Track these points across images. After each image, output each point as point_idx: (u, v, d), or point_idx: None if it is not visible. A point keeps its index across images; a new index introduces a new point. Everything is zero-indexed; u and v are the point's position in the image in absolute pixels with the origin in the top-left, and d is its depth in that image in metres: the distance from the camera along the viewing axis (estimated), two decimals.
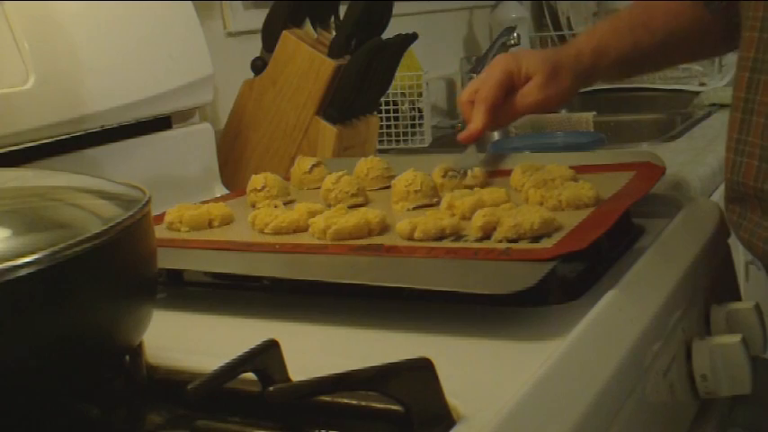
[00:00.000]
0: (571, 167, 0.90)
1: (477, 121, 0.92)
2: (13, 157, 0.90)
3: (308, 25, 1.25)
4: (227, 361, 0.51)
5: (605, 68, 0.97)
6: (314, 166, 1.03)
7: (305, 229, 0.82)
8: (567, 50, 0.96)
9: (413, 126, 1.61)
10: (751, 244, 0.77)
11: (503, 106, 0.93)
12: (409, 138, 1.60)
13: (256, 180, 0.97)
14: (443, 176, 0.93)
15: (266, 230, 0.83)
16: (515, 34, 1.87)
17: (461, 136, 0.94)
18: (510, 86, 0.93)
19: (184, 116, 1.16)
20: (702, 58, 1.09)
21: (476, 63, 1.94)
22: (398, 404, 0.50)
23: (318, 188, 0.95)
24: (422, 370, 0.50)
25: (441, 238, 0.75)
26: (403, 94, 1.59)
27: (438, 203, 0.86)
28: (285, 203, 0.92)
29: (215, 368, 0.51)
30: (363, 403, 0.52)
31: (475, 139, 0.94)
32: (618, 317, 0.66)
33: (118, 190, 0.58)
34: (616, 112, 1.83)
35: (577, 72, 0.94)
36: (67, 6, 0.99)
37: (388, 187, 0.94)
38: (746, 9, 0.77)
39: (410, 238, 0.75)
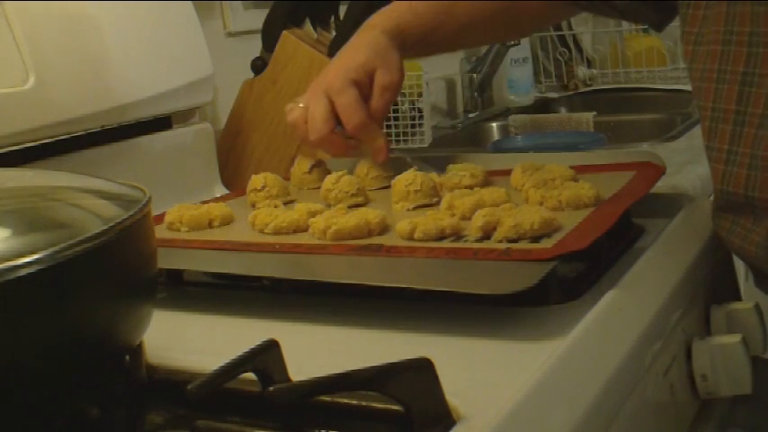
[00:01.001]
0: (571, 167, 0.90)
1: (378, 137, 0.94)
2: (13, 157, 0.90)
3: (308, 25, 1.25)
4: (227, 361, 0.51)
5: (410, 45, 0.97)
6: (314, 166, 1.03)
7: (305, 230, 0.82)
8: (370, 37, 0.95)
9: (413, 126, 1.61)
10: (742, 249, 0.78)
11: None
12: (409, 138, 1.60)
13: (256, 180, 0.97)
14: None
15: (266, 230, 0.83)
16: None
17: (380, 158, 0.95)
18: (364, 93, 0.92)
19: (184, 116, 1.16)
20: (525, 35, 1.13)
21: (476, 63, 1.95)
22: (398, 404, 0.50)
23: (318, 188, 0.95)
24: (422, 370, 0.50)
25: (441, 238, 0.75)
26: (403, 94, 1.59)
27: (438, 203, 0.86)
28: (285, 203, 0.92)
29: (215, 368, 0.51)
30: (363, 403, 0.52)
31: (387, 155, 0.96)
32: (618, 317, 0.66)
33: (118, 190, 0.58)
34: (616, 112, 1.83)
35: (398, 47, 0.95)
36: (67, 6, 0.99)
37: (387, 187, 0.94)
38: (719, 23, 0.77)
39: (410, 239, 0.75)
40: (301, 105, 0.94)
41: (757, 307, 0.82)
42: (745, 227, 0.77)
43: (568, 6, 1.00)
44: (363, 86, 0.92)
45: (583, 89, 2.15)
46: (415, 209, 0.86)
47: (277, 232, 0.82)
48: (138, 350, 0.57)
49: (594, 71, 2.21)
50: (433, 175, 0.92)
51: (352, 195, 0.90)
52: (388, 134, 1.58)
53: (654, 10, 0.93)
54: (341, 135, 0.93)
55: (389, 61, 0.93)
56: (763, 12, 0.73)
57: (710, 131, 0.79)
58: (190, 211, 0.89)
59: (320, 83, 0.93)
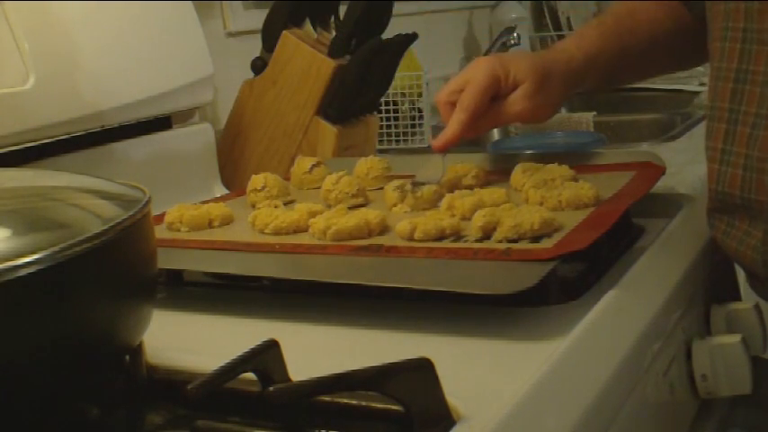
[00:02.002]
0: (571, 167, 0.90)
1: (454, 128, 0.88)
2: (13, 157, 0.90)
3: (308, 25, 1.24)
4: (227, 361, 0.51)
5: (594, 76, 0.94)
6: (314, 166, 1.03)
7: (305, 230, 0.82)
8: (557, 56, 0.92)
9: (413, 126, 1.61)
10: (739, 253, 0.77)
11: (485, 113, 0.88)
12: (409, 138, 1.60)
13: (256, 180, 0.97)
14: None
15: (266, 231, 0.83)
16: (515, 34, 1.87)
17: (436, 143, 0.90)
18: (495, 92, 0.88)
19: (184, 116, 1.16)
20: (689, 66, 1.06)
21: None
22: (398, 404, 0.50)
23: (318, 188, 0.95)
24: (422, 370, 0.50)
25: (441, 238, 0.75)
26: (403, 94, 1.59)
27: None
28: (285, 204, 0.92)
29: (215, 368, 0.51)
30: (363, 403, 0.52)
31: (449, 147, 0.90)
32: (618, 317, 0.66)
33: (118, 190, 0.58)
34: (616, 112, 1.83)
35: (568, 80, 0.90)
36: (67, 6, 0.99)
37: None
38: (719, 20, 0.77)
39: (410, 239, 0.75)
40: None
41: (757, 307, 0.82)
42: (740, 229, 0.77)
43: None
44: (501, 83, 0.88)
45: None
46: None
47: (277, 232, 0.82)
48: (138, 350, 0.57)
49: None
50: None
51: (353, 196, 0.90)
52: (388, 134, 1.58)
53: None
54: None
55: (539, 85, 0.88)
56: (757, 8, 0.73)
57: (708, 130, 0.79)
58: (190, 211, 0.89)
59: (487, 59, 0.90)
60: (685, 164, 1.22)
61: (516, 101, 0.88)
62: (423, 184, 0.89)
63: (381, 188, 0.97)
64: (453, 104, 0.89)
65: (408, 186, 0.88)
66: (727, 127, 0.76)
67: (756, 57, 0.73)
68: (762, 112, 0.73)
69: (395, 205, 0.87)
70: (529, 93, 0.87)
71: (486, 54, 1.93)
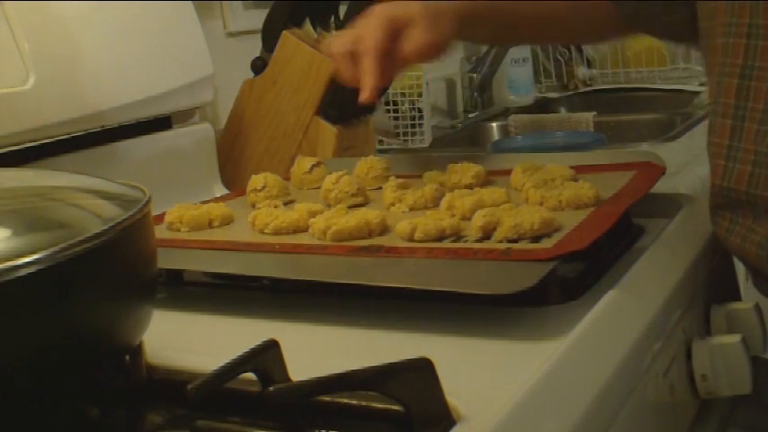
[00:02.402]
0: (571, 167, 0.90)
1: (370, 74, 0.86)
2: (13, 157, 0.90)
3: (308, 25, 1.25)
4: (227, 361, 0.51)
5: (482, 25, 0.94)
6: (314, 166, 1.03)
7: (305, 230, 0.82)
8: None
9: (413, 126, 1.61)
10: (743, 249, 0.77)
11: (388, 57, 0.86)
12: (409, 138, 1.60)
13: (256, 180, 0.97)
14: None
15: (266, 231, 0.83)
16: None
17: (362, 97, 0.87)
18: (393, 33, 0.86)
19: (184, 116, 1.16)
20: (597, 41, 1.07)
21: (476, 63, 1.95)
22: (398, 404, 0.50)
23: (318, 188, 0.95)
24: (422, 370, 0.50)
25: (441, 238, 0.75)
26: (403, 94, 1.59)
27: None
28: (285, 204, 0.92)
29: (215, 368, 0.51)
30: (363, 403, 0.52)
31: (376, 95, 0.88)
32: (618, 317, 0.66)
33: (118, 190, 0.58)
34: (616, 112, 1.83)
35: (459, 17, 0.90)
36: (67, 6, 0.99)
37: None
38: (721, 16, 0.77)
39: (410, 239, 0.75)
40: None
41: (757, 307, 0.82)
42: (744, 226, 0.77)
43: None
44: (397, 22, 0.86)
45: (583, 89, 2.15)
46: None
47: (277, 232, 0.82)
48: (138, 350, 0.57)
49: (594, 71, 2.21)
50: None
51: (352, 195, 0.90)
52: None
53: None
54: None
55: (438, 25, 0.87)
56: (763, 4, 0.72)
57: (711, 126, 0.78)
58: (190, 211, 0.89)
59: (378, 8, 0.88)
60: (685, 164, 1.22)
61: (412, 37, 0.86)
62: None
63: (380, 188, 0.97)
64: (351, 55, 0.87)
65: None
66: (733, 123, 0.75)
67: (762, 52, 0.73)
68: None
69: (392, 204, 0.87)
70: (423, 29, 0.86)
71: (485, 54, 1.93)
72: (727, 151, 0.76)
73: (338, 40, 0.88)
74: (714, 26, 0.78)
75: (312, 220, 0.81)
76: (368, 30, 0.86)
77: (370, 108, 1.27)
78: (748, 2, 0.73)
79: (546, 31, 1.02)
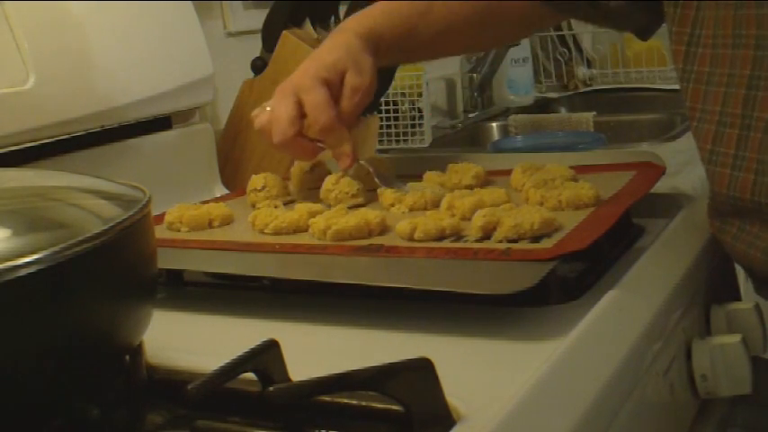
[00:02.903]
0: (571, 167, 0.90)
1: (344, 141, 0.87)
2: (13, 157, 0.90)
3: (308, 25, 1.24)
4: (227, 361, 0.51)
5: (387, 51, 0.94)
6: (314, 166, 1.03)
7: (305, 230, 0.82)
8: (342, 39, 0.91)
9: (413, 126, 1.61)
10: (748, 255, 0.77)
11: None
12: (409, 138, 1.60)
13: (256, 180, 0.97)
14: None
15: (266, 231, 0.83)
16: None
17: (345, 164, 0.89)
18: (333, 92, 0.87)
19: (184, 116, 1.16)
20: (510, 40, 1.08)
21: (476, 63, 1.95)
22: (398, 404, 0.50)
23: (318, 188, 0.95)
24: (422, 370, 0.50)
25: (441, 238, 0.75)
26: (403, 94, 1.59)
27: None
28: (285, 204, 0.92)
29: (215, 368, 0.51)
30: (363, 403, 0.52)
31: (354, 162, 0.89)
32: (618, 317, 0.66)
33: (118, 190, 0.58)
34: (616, 112, 1.83)
35: (371, 50, 0.90)
36: (67, 6, 0.99)
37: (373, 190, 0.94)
38: (728, 27, 0.76)
39: (410, 239, 0.75)
40: (268, 108, 0.89)
41: (757, 307, 0.82)
42: (751, 233, 0.77)
43: (548, 10, 0.96)
44: (334, 87, 0.87)
45: (583, 89, 2.15)
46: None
47: (277, 232, 0.82)
48: (138, 350, 0.57)
49: (594, 71, 2.21)
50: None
51: (352, 196, 0.90)
52: (388, 134, 1.58)
53: (644, 12, 0.90)
54: (307, 139, 0.88)
55: (361, 63, 0.89)
56: None
57: (716, 136, 0.78)
58: (190, 211, 0.89)
59: (288, 83, 0.89)
60: (685, 164, 1.22)
61: (354, 83, 0.88)
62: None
63: (373, 189, 0.97)
64: (300, 134, 0.87)
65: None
66: (739, 133, 0.75)
67: None
68: None
69: (392, 204, 0.87)
70: (357, 71, 0.88)
71: (486, 54, 1.93)
72: (733, 160, 0.76)
73: (280, 128, 0.87)
74: (719, 36, 0.78)
75: (312, 220, 0.81)
76: (312, 98, 0.86)
77: (370, 108, 1.27)
78: (754, 12, 0.73)
79: (444, 42, 1.01)
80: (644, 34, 0.95)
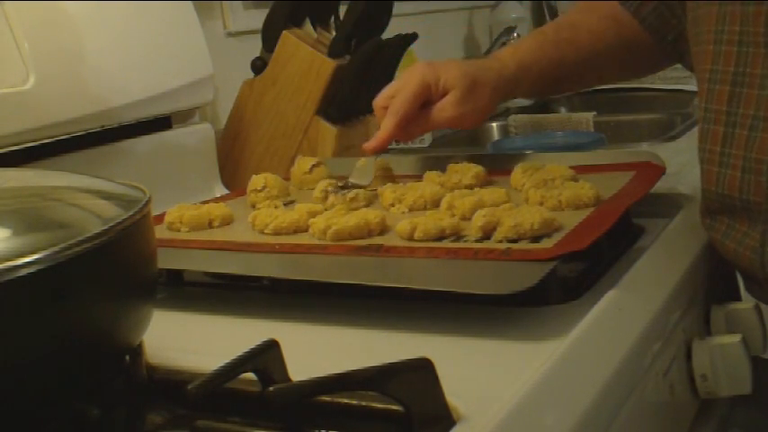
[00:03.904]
0: (571, 167, 0.90)
1: (384, 131, 0.91)
2: (13, 157, 0.90)
3: (307, 25, 1.25)
4: (227, 361, 0.51)
5: (527, 84, 0.96)
6: (314, 166, 1.03)
7: (305, 230, 0.82)
8: (489, 64, 0.94)
9: None
10: (737, 254, 0.77)
11: (416, 118, 0.91)
12: None
13: (256, 180, 0.97)
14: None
15: (266, 231, 0.83)
16: (515, 34, 1.88)
17: (367, 146, 0.93)
18: (426, 98, 0.91)
19: (184, 116, 1.16)
20: (637, 77, 1.08)
21: None
22: (398, 404, 0.50)
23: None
24: (422, 370, 0.50)
25: (441, 238, 0.75)
26: None
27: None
28: (285, 204, 0.92)
29: (215, 368, 0.51)
30: (363, 403, 0.52)
31: (379, 150, 0.93)
32: (618, 317, 0.66)
33: (118, 190, 0.58)
34: (616, 112, 1.83)
35: (498, 88, 0.93)
36: (67, 6, 0.99)
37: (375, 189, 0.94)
38: (711, 23, 0.77)
39: (410, 239, 0.75)
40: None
41: (757, 307, 0.82)
42: (740, 231, 0.77)
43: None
44: (432, 89, 0.91)
45: (583, 89, 2.15)
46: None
47: (277, 232, 0.82)
48: (138, 350, 0.57)
49: None
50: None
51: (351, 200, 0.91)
52: None
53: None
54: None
55: (469, 97, 0.91)
56: (753, 11, 0.73)
57: (702, 133, 0.78)
58: (190, 211, 0.89)
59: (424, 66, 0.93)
60: (685, 164, 1.22)
61: (445, 107, 0.91)
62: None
63: (375, 189, 0.97)
64: (387, 109, 0.92)
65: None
66: (725, 130, 0.76)
67: (753, 59, 0.73)
68: (759, 114, 0.73)
69: (392, 204, 0.87)
70: (458, 99, 0.90)
71: (485, 54, 1.93)
72: (720, 158, 0.76)
73: (380, 95, 0.93)
74: (703, 32, 0.78)
75: (312, 220, 0.81)
76: (404, 90, 0.90)
77: (370, 108, 1.27)
78: (738, 8, 0.73)
79: (592, 75, 1.03)
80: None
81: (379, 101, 0.93)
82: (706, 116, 0.77)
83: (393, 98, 0.91)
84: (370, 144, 0.93)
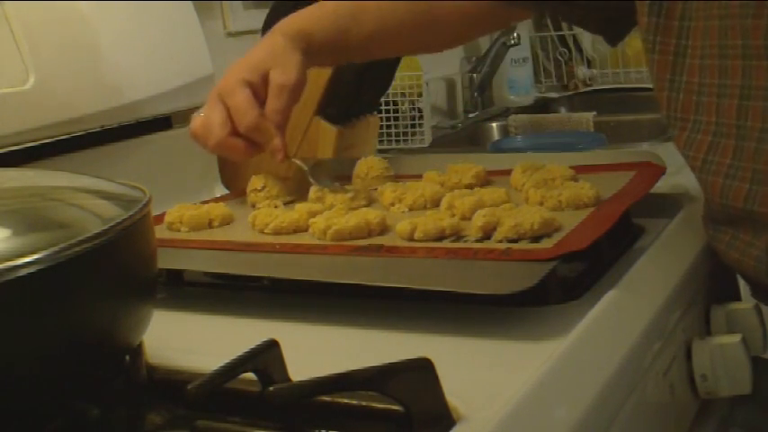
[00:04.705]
0: (571, 167, 0.90)
1: (273, 137, 0.88)
2: (13, 157, 0.90)
3: None
4: (227, 361, 0.51)
5: (317, 49, 0.94)
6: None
7: (305, 230, 0.82)
8: (274, 37, 0.93)
9: (413, 126, 1.61)
10: (741, 263, 0.78)
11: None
12: (409, 138, 1.60)
13: (256, 180, 0.97)
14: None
15: (266, 231, 0.83)
16: (515, 34, 1.87)
17: (278, 158, 0.90)
18: (259, 94, 0.89)
19: (184, 116, 1.16)
20: (436, 50, 1.07)
21: (476, 63, 1.95)
22: (398, 404, 0.50)
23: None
24: (422, 370, 0.50)
25: (441, 238, 0.75)
26: (403, 94, 1.59)
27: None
28: (285, 204, 0.92)
29: (215, 368, 0.51)
30: (363, 403, 0.52)
31: (285, 155, 0.90)
32: (618, 317, 0.66)
33: (118, 190, 0.58)
34: (616, 112, 1.83)
35: (299, 49, 0.91)
36: (67, 7, 0.99)
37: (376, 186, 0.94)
38: (714, 37, 0.76)
39: (410, 239, 0.75)
40: (201, 114, 0.90)
41: (757, 307, 0.82)
42: (744, 241, 0.77)
43: (501, 9, 0.95)
44: (257, 87, 0.88)
45: (583, 89, 2.15)
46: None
47: (277, 232, 0.82)
48: (138, 350, 0.57)
49: (594, 71, 2.21)
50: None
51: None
52: (388, 134, 1.58)
53: (612, 11, 0.89)
54: (241, 139, 0.88)
55: (286, 62, 0.89)
56: (751, 25, 0.73)
57: (711, 145, 0.78)
58: (190, 211, 0.89)
59: (215, 88, 0.90)
60: (685, 164, 1.22)
61: (278, 91, 0.88)
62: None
63: (375, 189, 0.97)
64: (234, 134, 0.88)
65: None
66: (735, 143, 0.76)
67: (757, 72, 0.73)
68: (766, 126, 0.73)
69: (392, 204, 0.87)
70: (278, 75, 0.88)
71: (485, 54, 1.93)
72: (727, 170, 0.76)
73: (212, 134, 0.88)
74: (706, 47, 0.78)
75: (312, 220, 0.81)
76: (240, 107, 0.87)
77: (370, 108, 1.28)
78: (738, 23, 0.73)
79: (380, 43, 1.00)
80: (614, 40, 0.95)
81: (216, 134, 0.87)
82: (717, 130, 0.77)
83: (227, 124, 0.87)
84: (278, 158, 0.90)
